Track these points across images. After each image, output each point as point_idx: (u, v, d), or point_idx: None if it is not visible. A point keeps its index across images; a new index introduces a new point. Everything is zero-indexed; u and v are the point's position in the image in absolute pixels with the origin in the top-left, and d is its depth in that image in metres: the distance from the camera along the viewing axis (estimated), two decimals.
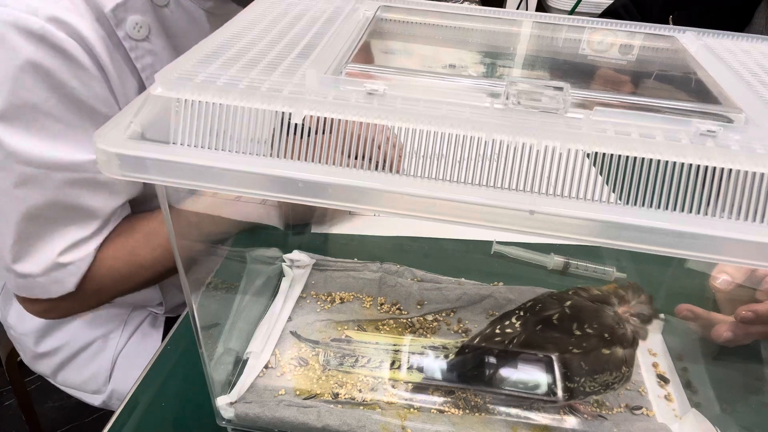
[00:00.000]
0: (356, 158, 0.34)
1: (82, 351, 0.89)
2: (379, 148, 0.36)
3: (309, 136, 0.35)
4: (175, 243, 0.44)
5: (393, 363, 0.60)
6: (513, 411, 0.55)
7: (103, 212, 0.69)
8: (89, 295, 0.73)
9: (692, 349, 0.63)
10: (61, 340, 0.89)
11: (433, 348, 0.62)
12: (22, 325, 0.89)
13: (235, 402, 0.54)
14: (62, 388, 0.94)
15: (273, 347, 0.61)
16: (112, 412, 0.57)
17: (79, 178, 0.65)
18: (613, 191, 0.33)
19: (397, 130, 0.35)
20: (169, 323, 0.93)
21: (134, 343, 0.91)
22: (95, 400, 0.93)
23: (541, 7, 2.39)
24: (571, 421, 0.55)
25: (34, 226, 0.66)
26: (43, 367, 0.92)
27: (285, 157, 0.35)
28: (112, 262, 0.72)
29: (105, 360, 0.90)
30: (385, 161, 0.35)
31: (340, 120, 0.35)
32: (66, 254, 0.68)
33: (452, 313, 0.66)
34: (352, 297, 0.68)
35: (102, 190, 0.68)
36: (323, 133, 0.35)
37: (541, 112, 0.36)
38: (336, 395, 0.56)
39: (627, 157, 0.33)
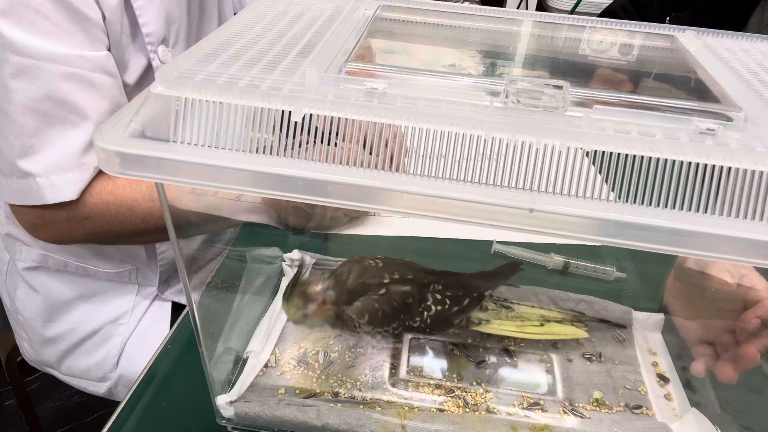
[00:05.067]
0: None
1: (90, 337, 0.91)
2: (386, 145, 0.36)
3: (315, 142, 0.35)
4: (175, 241, 0.44)
5: (393, 362, 0.60)
6: (513, 410, 0.56)
7: (95, 115, 0.72)
8: (78, 219, 0.75)
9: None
10: (69, 324, 0.90)
11: (433, 347, 0.62)
12: (30, 308, 0.90)
13: (235, 401, 0.54)
14: (65, 378, 0.95)
15: (273, 346, 0.61)
16: (111, 412, 0.57)
17: (70, 72, 0.69)
18: (612, 189, 0.33)
19: (396, 129, 0.35)
20: (175, 310, 0.95)
21: (142, 330, 0.92)
22: (100, 389, 0.94)
23: (541, 6, 2.39)
24: (571, 420, 0.55)
25: (34, 121, 0.69)
26: (48, 355, 0.93)
27: (285, 155, 0.35)
28: (108, 197, 0.75)
29: (113, 346, 0.91)
30: (390, 158, 0.35)
31: (340, 118, 0.35)
32: (67, 159, 0.71)
33: None
34: None
35: (92, 90, 0.71)
36: (330, 142, 0.35)
37: (540, 111, 0.36)
38: (336, 394, 0.56)
39: (626, 155, 0.33)
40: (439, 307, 0.57)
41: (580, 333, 0.62)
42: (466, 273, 0.61)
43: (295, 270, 0.71)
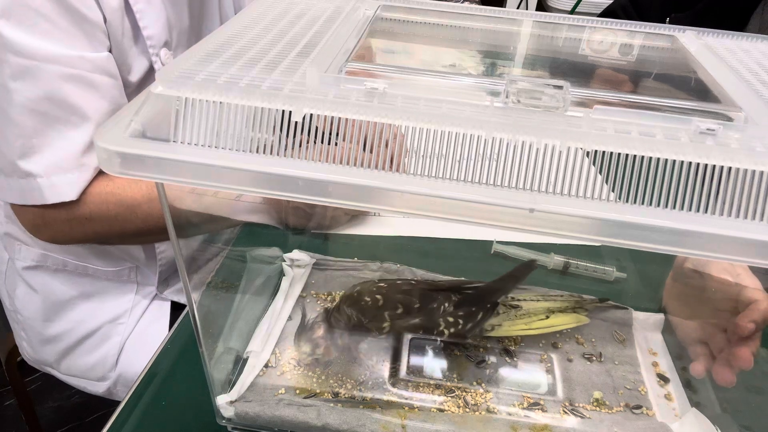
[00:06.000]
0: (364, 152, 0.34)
1: (90, 336, 0.91)
2: (386, 145, 0.36)
3: (315, 142, 0.35)
4: (175, 241, 0.44)
5: (393, 361, 0.60)
6: (513, 410, 0.56)
7: (95, 115, 0.72)
8: (79, 219, 0.75)
9: None
10: (69, 323, 0.90)
11: (433, 347, 0.62)
12: (29, 308, 0.91)
13: (235, 401, 0.54)
14: (64, 378, 0.95)
15: (273, 346, 0.61)
16: (111, 412, 0.57)
17: (70, 73, 0.69)
18: (613, 190, 0.33)
19: (396, 129, 0.35)
20: (175, 310, 0.95)
21: (142, 329, 0.92)
22: (99, 388, 0.94)
23: (541, 6, 2.39)
24: (571, 420, 0.55)
25: (34, 122, 0.69)
26: (47, 354, 0.93)
27: (285, 155, 0.35)
28: (109, 197, 0.75)
29: (113, 345, 0.91)
30: (390, 158, 0.35)
31: (340, 118, 0.35)
32: (67, 159, 0.72)
33: None
34: None
35: (93, 91, 0.72)
36: (331, 142, 0.35)
37: (541, 111, 0.36)
38: (336, 394, 0.56)
39: (626, 155, 0.33)
40: (452, 330, 0.56)
41: (582, 319, 0.64)
42: (480, 284, 0.61)
43: (295, 270, 0.71)
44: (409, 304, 0.57)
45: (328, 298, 0.68)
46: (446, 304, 0.58)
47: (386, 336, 0.56)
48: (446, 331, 0.56)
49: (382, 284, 0.60)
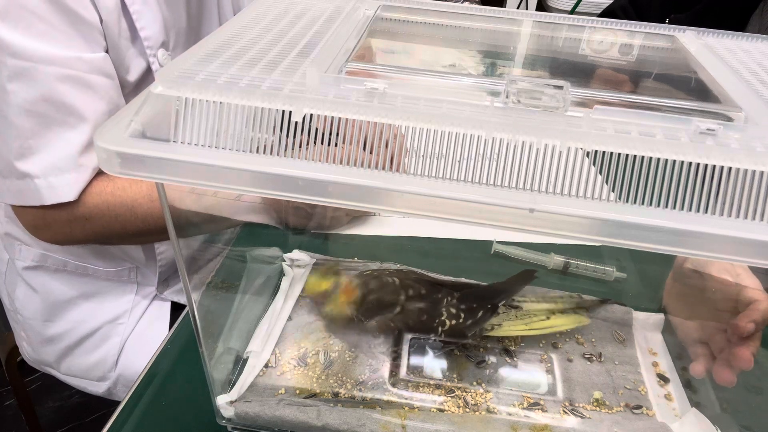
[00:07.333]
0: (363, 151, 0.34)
1: (90, 336, 0.91)
2: (386, 146, 0.36)
3: (316, 143, 0.35)
4: (175, 241, 0.44)
5: (393, 361, 0.60)
6: (513, 410, 0.56)
7: (92, 116, 0.72)
8: (79, 220, 0.75)
9: None
10: (69, 324, 0.90)
11: (434, 347, 0.62)
12: (29, 308, 0.91)
13: (235, 401, 0.54)
14: (64, 378, 0.95)
15: (273, 346, 0.61)
16: (111, 412, 0.57)
17: (67, 74, 0.69)
18: (613, 190, 0.33)
19: (397, 129, 0.35)
20: (175, 310, 0.95)
21: (142, 329, 0.93)
22: (99, 388, 0.94)
23: (541, 6, 2.39)
24: (571, 420, 0.55)
25: (31, 123, 0.70)
26: (47, 354, 0.93)
27: (285, 155, 0.35)
28: (108, 198, 0.75)
29: (113, 346, 0.91)
30: (390, 158, 0.35)
31: (340, 118, 0.35)
32: (64, 160, 0.72)
33: None
34: None
35: (89, 91, 0.72)
36: (331, 142, 0.35)
37: (541, 111, 0.36)
38: (336, 394, 0.56)
39: (626, 155, 0.33)
40: (453, 321, 0.57)
41: (583, 320, 0.64)
42: (482, 285, 0.62)
43: (295, 270, 0.71)
44: (418, 289, 0.59)
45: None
46: (449, 298, 0.59)
47: (395, 317, 0.57)
48: (448, 322, 0.57)
49: (394, 271, 0.62)
